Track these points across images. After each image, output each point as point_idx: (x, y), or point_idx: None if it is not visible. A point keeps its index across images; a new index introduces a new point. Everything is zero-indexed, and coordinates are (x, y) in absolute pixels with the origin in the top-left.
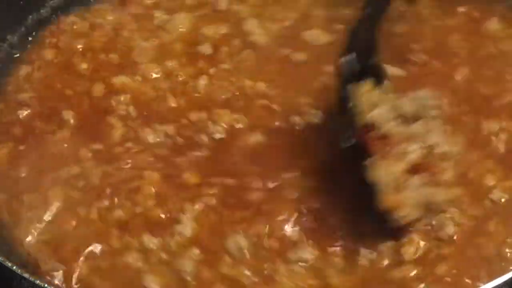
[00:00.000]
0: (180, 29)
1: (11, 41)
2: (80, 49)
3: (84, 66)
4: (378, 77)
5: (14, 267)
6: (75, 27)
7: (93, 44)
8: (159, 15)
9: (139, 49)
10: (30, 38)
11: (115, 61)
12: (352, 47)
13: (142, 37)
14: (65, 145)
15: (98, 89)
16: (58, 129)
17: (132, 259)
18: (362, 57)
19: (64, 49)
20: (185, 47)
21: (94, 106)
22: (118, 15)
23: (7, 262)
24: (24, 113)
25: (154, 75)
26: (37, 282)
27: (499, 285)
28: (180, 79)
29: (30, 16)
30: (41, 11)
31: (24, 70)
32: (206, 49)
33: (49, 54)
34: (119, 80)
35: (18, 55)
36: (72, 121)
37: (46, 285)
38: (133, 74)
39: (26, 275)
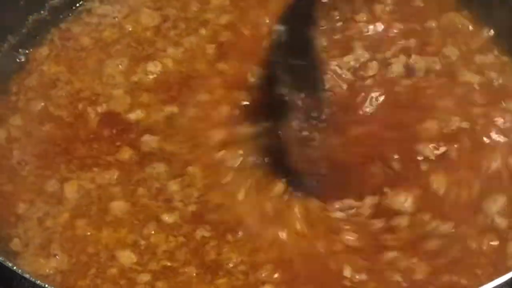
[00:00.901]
0: None
1: (11, 41)
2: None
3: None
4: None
5: (14, 267)
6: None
7: None
8: None
9: None
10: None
11: None
12: (288, 18)
13: None
14: None
15: None
16: None
17: None
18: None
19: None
20: None
21: None
22: None
23: (7, 262)
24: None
25: None
26: (38, 282)
27: (499, 285)
28: None
29: (31, 16)
30: (41, 11)
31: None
32: None
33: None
34: None
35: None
36: None
37: (46, 285)
38: None
39: (26, 275)
